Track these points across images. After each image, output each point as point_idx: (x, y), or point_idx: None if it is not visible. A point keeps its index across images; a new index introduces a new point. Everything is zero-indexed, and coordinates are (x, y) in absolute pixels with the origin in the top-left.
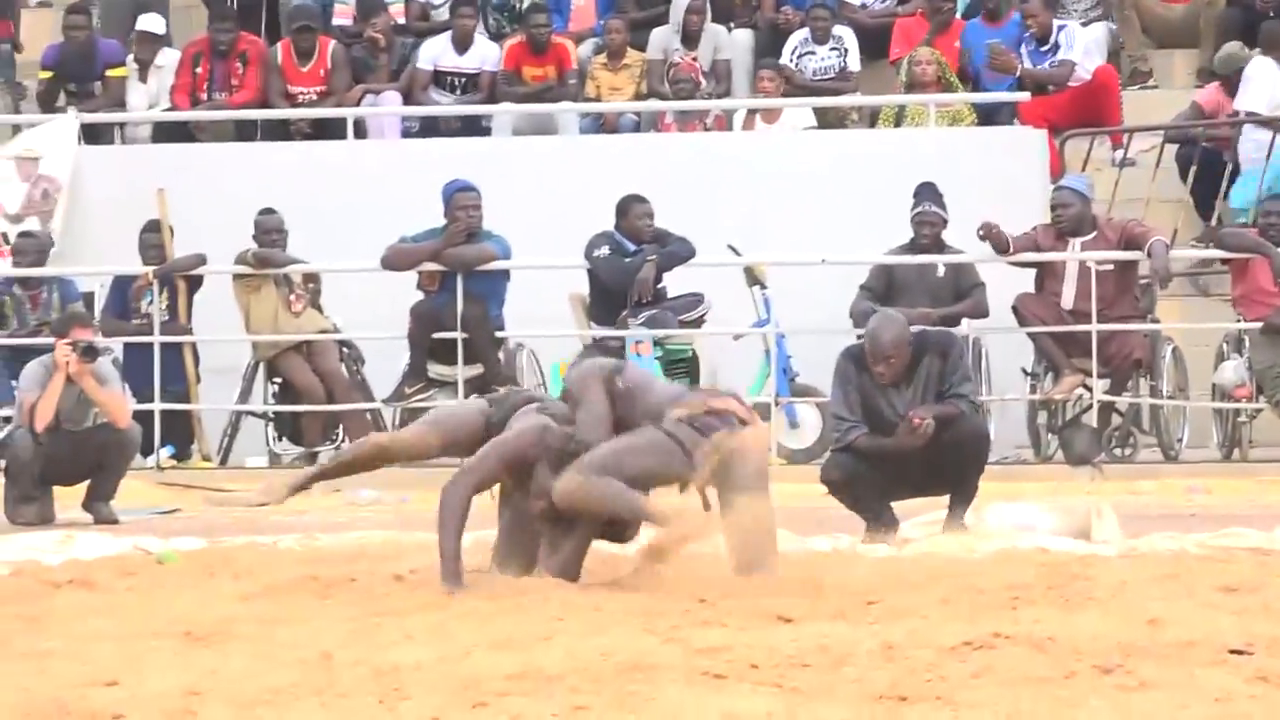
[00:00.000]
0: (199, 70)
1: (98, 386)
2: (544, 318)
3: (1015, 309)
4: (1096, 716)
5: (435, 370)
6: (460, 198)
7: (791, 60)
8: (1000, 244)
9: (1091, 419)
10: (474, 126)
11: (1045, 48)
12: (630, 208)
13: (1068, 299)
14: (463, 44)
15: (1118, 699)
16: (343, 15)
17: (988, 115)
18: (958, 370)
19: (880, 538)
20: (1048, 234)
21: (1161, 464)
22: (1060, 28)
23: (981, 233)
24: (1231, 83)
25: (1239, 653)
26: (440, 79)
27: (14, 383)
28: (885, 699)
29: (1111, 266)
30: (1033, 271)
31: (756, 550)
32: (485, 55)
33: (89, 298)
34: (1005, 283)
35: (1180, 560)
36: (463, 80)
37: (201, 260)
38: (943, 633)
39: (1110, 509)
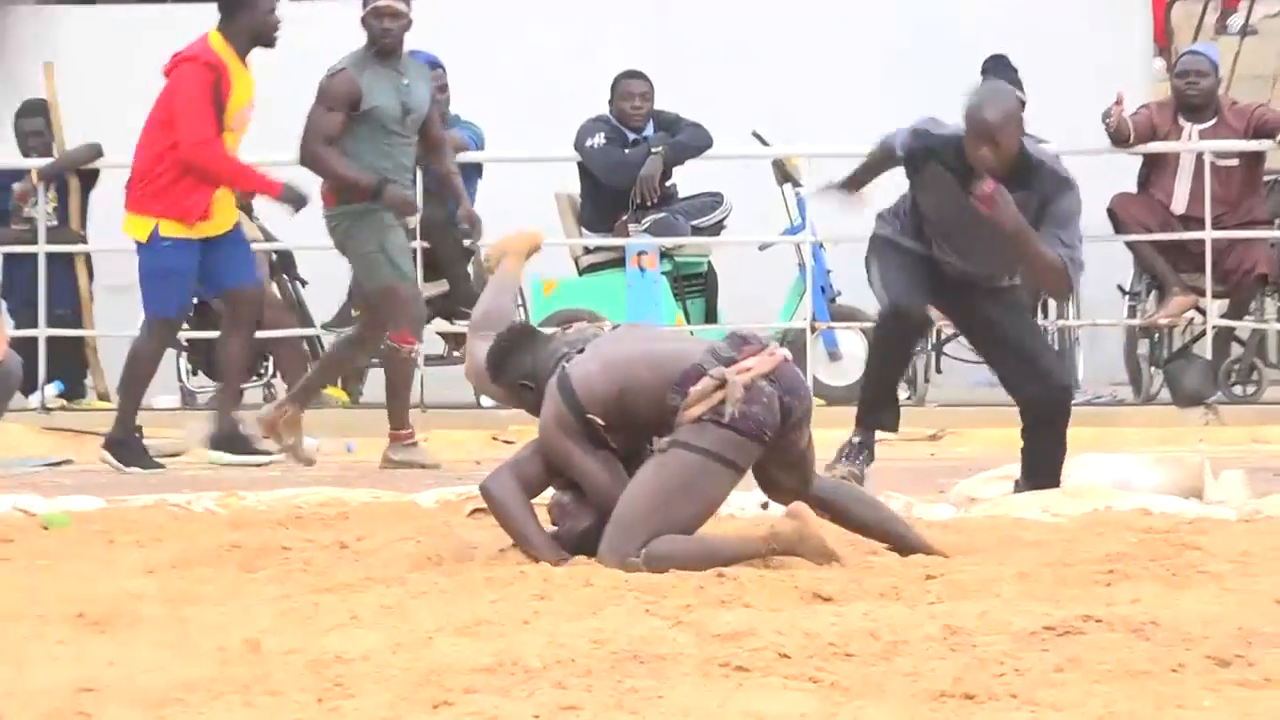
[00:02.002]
0: None
1: None
2: (523, 222)
3: (1111, 213)
4: (1210, 718)
5: None
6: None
7: None
8: (1121, 132)
9: (1205, 349)
10: None
11: None
12: (619, 85)
13: (1180, 200)
14: None
15: (1237, 697)
16: None
17: None
18: (1071, 219)
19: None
20: (1163, 115)
21: None
22: None
23: (1110, 121)
24: None
25: None
26: None
27: None
28: (947, 697)
29: (1236, 160)
30: (1133, 166)
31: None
32: None
33: None
34: (1098, 180)
35: None
36: None
37: (98, 152)
38: (1019, 615)
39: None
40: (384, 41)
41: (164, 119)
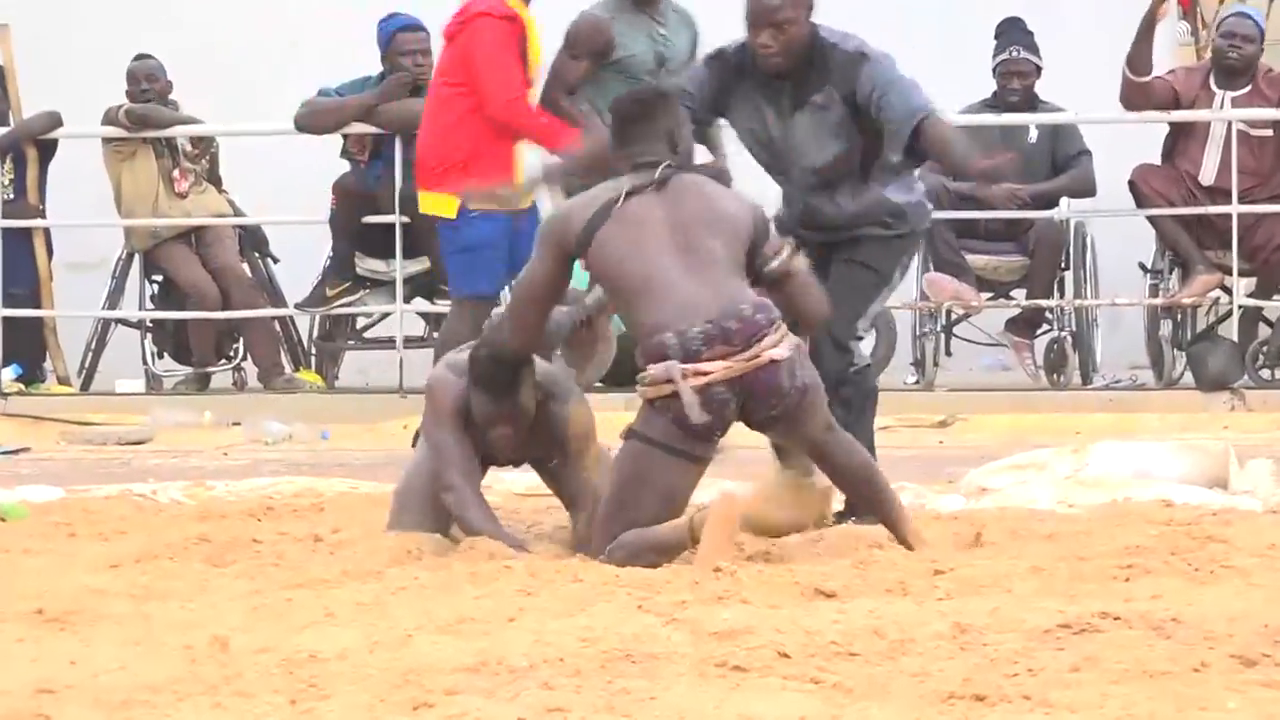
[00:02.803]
0: None
1: None
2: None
3: (1133, 185)
4: None
5: (366, 266)
6: (403, 39)
7: None
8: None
9: (1231, 330)
10: None
11: None
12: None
13: (1208, 172)
14: None
15: (1263, 699)
16: None
17: None
18: (894, 78)
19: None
20: (1191, 80)
21: None
22: None
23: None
24: None
25: None
26: None
27: None
28: (957, 698)
29: (1269, 131)
30: (1158, 135)
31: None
32: None
33: None
34: (1120, 149)
35: None
36: None
37: (57, 121)
38: (1032, 612)
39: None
40: None
41: (456, 81)
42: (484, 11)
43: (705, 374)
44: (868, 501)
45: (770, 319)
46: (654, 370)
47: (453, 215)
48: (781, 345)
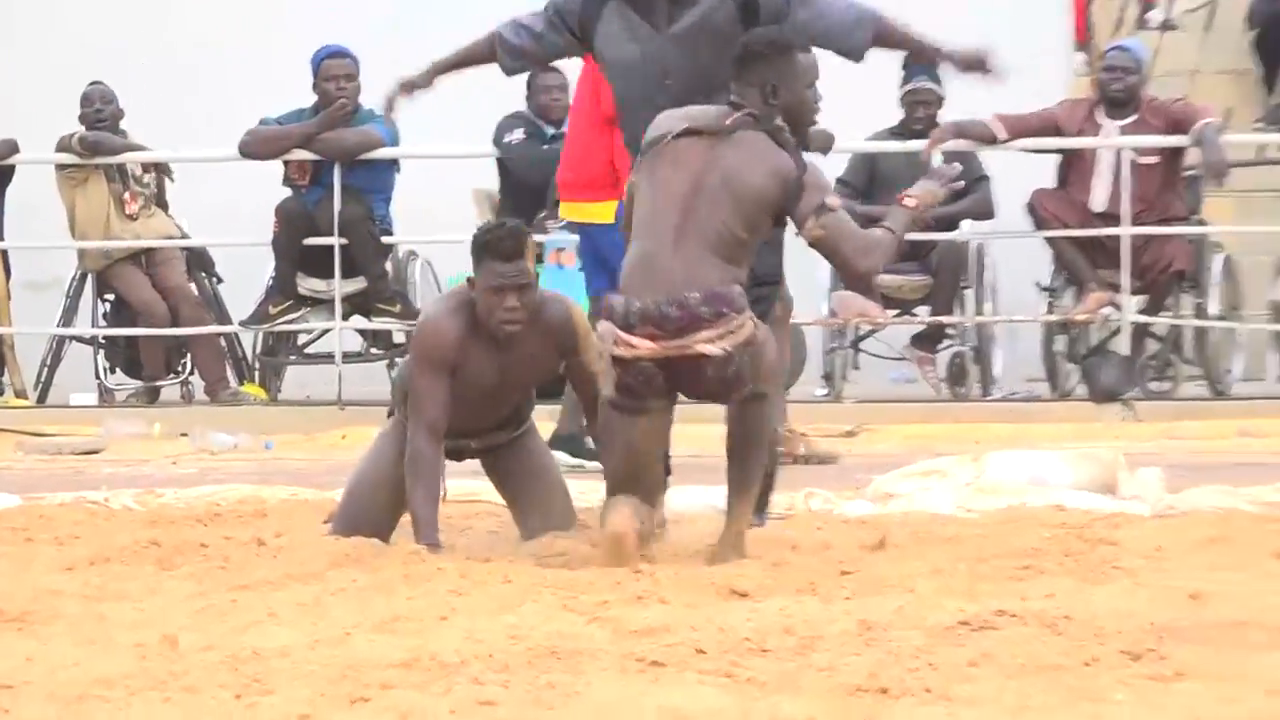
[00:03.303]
0: None
1: None
2: (442, 219)
3: (1031, 208)
4: (1122, 713)
5: (306, 285)
6: (329, 66)
7: None
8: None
9: (1121, 345)
10: None
11: None
12: (534, 80)
13: (1099, 197)
14: None
15: (1149, 691)
16: None
17: None
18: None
19: None
20: (1075, 112)
21: (1208, 401)
22: None
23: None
24: None
25: None
26: None
27: None
28: (862, 691)
29: (1156, 158)
30: (1053, 162)
31: None
32: None
33: None
34: (1018, 176)
35: (1230, 521)
36: None
37: (12, 148)
38: (934, 610)
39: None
40: None
41: (594, 91)
42: None
43: (633, 347)
44: (732, 481)
45: (717, 312)
46: (599, 327)
47: (611, 219)
48: (722, 340)
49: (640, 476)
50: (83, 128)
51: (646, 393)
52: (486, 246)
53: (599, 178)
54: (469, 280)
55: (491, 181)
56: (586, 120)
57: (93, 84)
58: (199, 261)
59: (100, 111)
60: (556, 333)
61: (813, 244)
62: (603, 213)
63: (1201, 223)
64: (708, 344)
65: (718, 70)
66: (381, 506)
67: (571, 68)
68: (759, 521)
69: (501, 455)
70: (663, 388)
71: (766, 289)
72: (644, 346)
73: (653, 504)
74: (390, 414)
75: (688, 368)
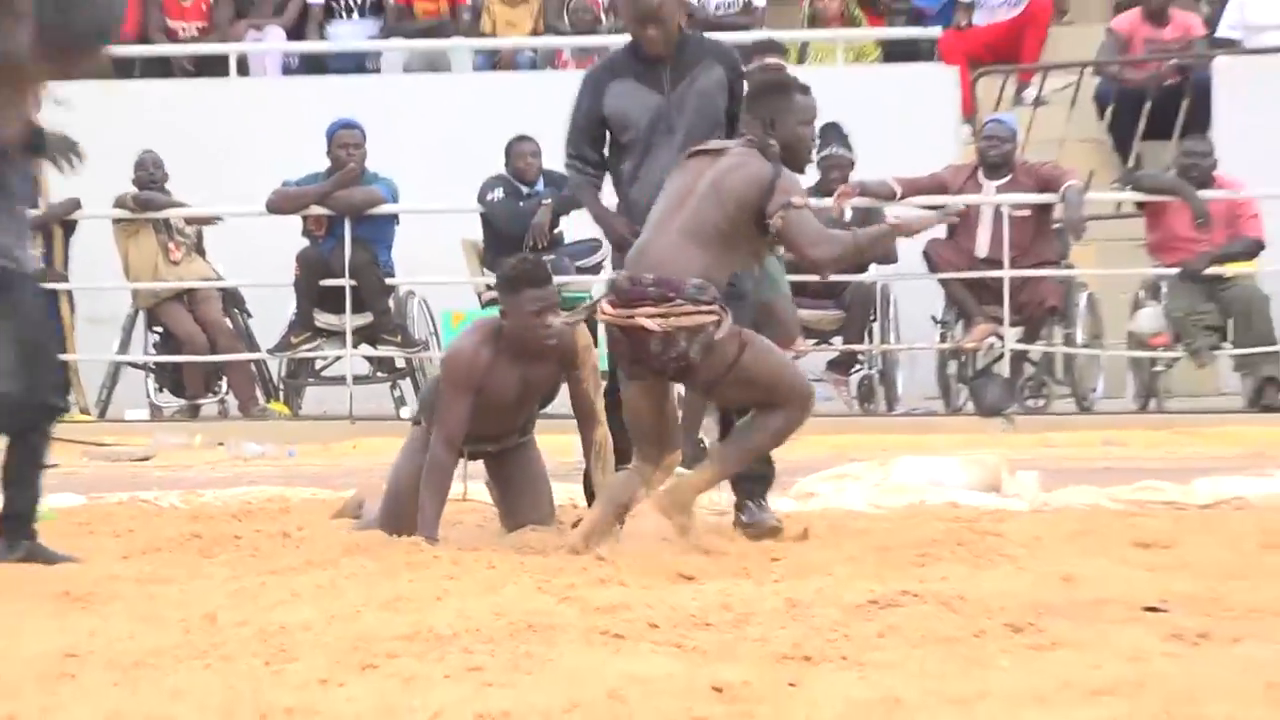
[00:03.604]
0: None
1: None
2: (435, 264)
3: (926, 255)
4: (1006, 676)
5: (322, 319)
6: (341, 136)
7: None
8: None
9: (1003, 369)
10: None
11: None
12: (512, 147)
13: (982, 245)
14: None
15: (1028, 658)
16: None
17: (903, 50)
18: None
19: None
20: (958, 175)
21: (1075, 415)
22: None
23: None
24: (1151, 8)
25: (1154, 610)
26: (331, 9)
27: None
28: (789, 659)
29: (1028, 212)
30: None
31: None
32: None
33: None
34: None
35: (1094, 515)
36: (358, 1)
37: (76, 205)
38: (849, 590)
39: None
40: None
41: None
42: None
43: (605, 314)
44: (713, 454)
45: (663, 295)
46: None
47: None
48: (664, 320)
49: (644, 434)
50: (136, 188)
51: (624, 360)
52: (521, 278)
53: None
54: (501, 313)
55: (477, 232)
56: None
57: (145, 152)
58: (233, 300)
59: (151, 174)
60: (562, 350)
61: (776, 234)
62: None
63: (1070, 266)
64: (646, 319)
65: (709, 124)
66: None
67: (543, 134)
68: (752, 514)
69: (506, 458)
70: (628, 355)
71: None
72: (604, 311)
73: (658, 462)
74: (416, 423)
75: (636, 340)
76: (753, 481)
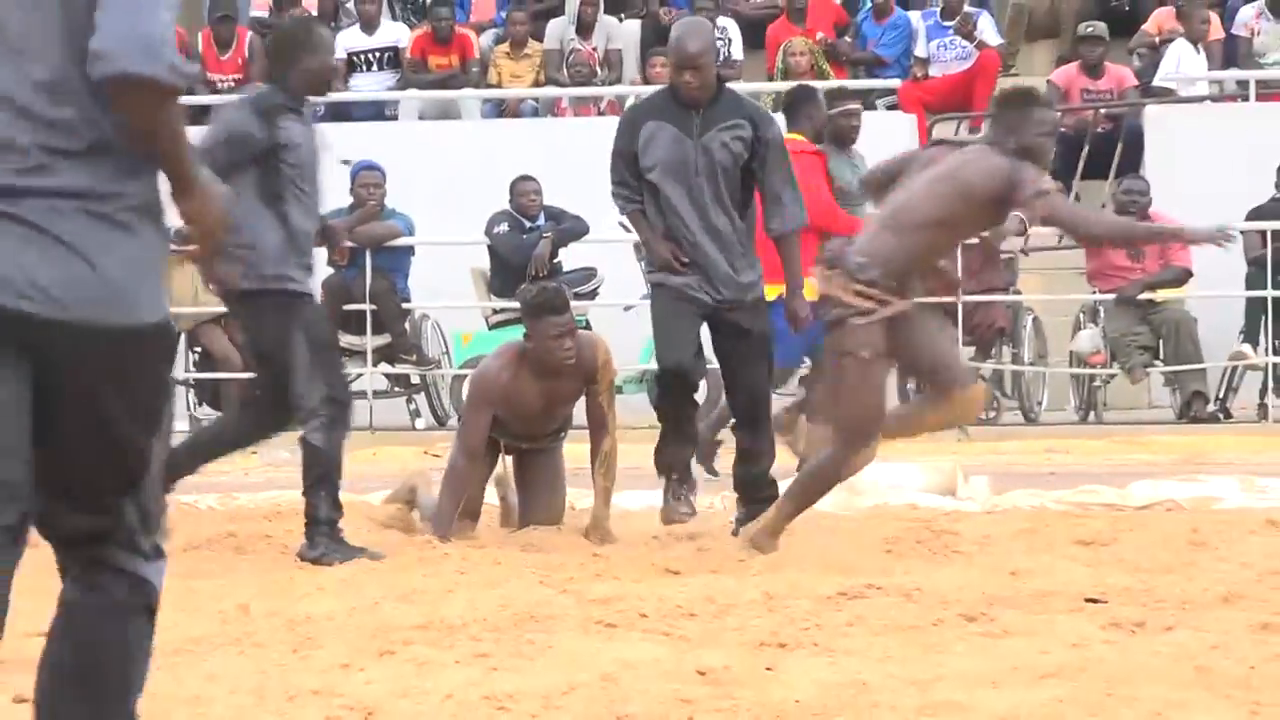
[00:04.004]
0: None
1: None
2: (447, 290)
3: None
4: (961, 661)
5: (345, 340)
6: (363, 176)
7: None
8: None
9: None
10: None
11: (949, 23)
12: (516, 185)
13: None
14: (370, 26)
15: (981, 645)
16: (260, 7)
17: (868, 100)
18: (781, 163)
19: (679, 509)
20: None
21: (1022, 426)
22: (977, 14)
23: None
24: (1088, 62)
25: (1094, 601)
26: (353, 63)
27: None
28: (766, 646)
29: (976, 241)
30: None
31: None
32: (395, 34)
33: None
34: None
35: (1040, 516)
36: (377, 55)
37: None
38: (820, 584)
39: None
40: None
41: None
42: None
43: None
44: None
45: (834, 262)
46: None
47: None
48: (828, 283)
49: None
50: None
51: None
52: (543, 306)
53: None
54: (525, 336)
55: (484, 262)
56: None
57: None
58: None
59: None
60: (585, 364)
61: (1043, 220)
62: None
63: (1017, 292)
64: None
65: (727, 176)
66: (475, 483)
67: (544, 175)
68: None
69: (534, 458)
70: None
71: None
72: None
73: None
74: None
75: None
76: (759, 504)
